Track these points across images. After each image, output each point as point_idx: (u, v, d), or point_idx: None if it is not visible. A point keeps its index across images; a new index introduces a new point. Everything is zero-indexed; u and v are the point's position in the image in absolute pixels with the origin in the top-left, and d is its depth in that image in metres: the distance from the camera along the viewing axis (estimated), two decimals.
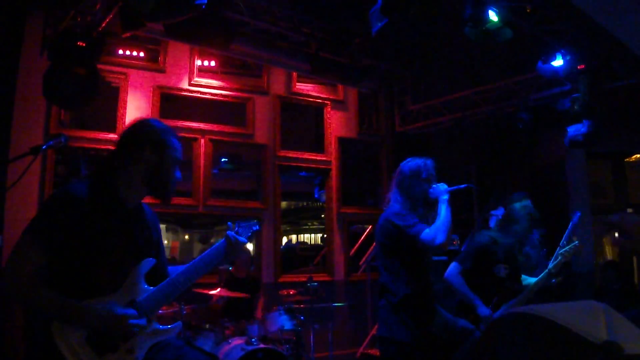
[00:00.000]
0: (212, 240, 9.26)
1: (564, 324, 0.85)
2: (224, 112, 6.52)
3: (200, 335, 4.39)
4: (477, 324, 3.20)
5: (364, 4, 4.32)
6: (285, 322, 4.53)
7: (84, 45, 4.39)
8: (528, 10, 4.34)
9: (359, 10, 4.67)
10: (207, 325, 4.50)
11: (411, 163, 3.09)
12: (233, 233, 2.19)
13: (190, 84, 6.10)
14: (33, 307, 1.86)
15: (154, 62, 5.99)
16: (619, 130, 6.50)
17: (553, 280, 3.67)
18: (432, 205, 2.97)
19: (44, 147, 2.11)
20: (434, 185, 2.99)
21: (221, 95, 6.32)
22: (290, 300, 4.93)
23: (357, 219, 7.14)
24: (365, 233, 7.11)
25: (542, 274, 3.62)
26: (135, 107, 5.69)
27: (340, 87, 7.02)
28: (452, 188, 2.99)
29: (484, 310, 3.28)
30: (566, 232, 3.76)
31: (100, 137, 5.50)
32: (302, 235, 12.77)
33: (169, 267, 2.22)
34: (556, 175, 6.92)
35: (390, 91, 7.38)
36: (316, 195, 8.51)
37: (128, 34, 4.61)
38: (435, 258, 5.11)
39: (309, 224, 12.47)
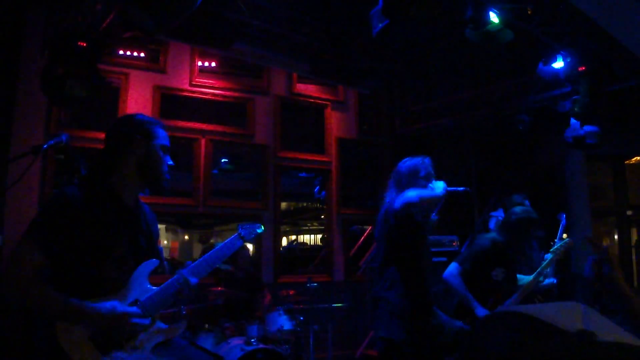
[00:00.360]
0: (212, 241, 9.25)
1: (545, 319, 0.94)
2: (224, 112, 6.52)
3: (199, 335, 4.39)
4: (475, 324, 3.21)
5: (364, 4, 4.32)
6: (284, 322, 4.53)
7: (84, 45, 4.39)
8: (529, 12, 4.34)
9: (360, 11, 4.67)
10: (207, 325, 4.49)
11: (409, 162, 3.09)
12: (186, 271, 2.09)
13: (190, 85, 6.11)
14: (35, 308, 1.85)
15: (154, 62, 5.99)
16: (619, 133, 6.50)
17: (550, 280, 3.71)
18: None
19: (44, 146, 2.12)
20: (432, 184, 2.99)
21: (221, 95, 6.32)
22: (289, 301, 4.93)
23: (357, 219, 7.14)
24: (365, 234, 7.12)
25: (533, 274, 3.66)
26: (135, 108, 5.68)
27: (340, 88, 7.02)
28: (451, 189, 2.99)
29: (481, 311, 3.29)
30: (557, 235, 3.84)
31: (100, 137, 5.44)
32: (302, 236, 12.77)
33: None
34: (556, 177, 6.93)
35: (390, 92, 7.37)
36: (316, 194, 8.51)
37: (129, 34, 4.61)
38: (435, 259, 5.11)
39: (309, 224, 12.47)
